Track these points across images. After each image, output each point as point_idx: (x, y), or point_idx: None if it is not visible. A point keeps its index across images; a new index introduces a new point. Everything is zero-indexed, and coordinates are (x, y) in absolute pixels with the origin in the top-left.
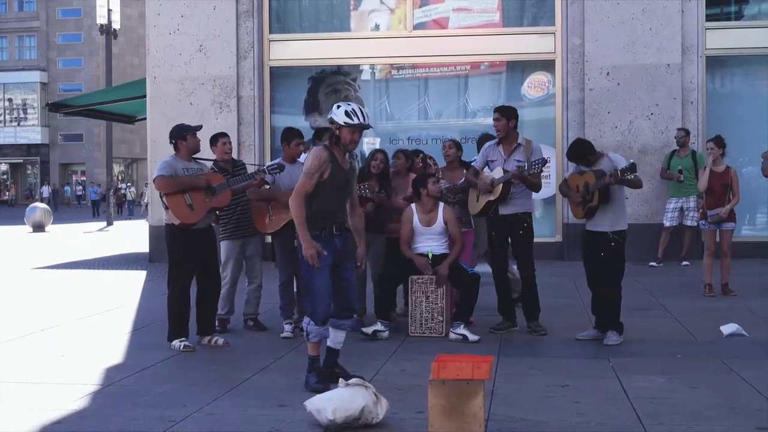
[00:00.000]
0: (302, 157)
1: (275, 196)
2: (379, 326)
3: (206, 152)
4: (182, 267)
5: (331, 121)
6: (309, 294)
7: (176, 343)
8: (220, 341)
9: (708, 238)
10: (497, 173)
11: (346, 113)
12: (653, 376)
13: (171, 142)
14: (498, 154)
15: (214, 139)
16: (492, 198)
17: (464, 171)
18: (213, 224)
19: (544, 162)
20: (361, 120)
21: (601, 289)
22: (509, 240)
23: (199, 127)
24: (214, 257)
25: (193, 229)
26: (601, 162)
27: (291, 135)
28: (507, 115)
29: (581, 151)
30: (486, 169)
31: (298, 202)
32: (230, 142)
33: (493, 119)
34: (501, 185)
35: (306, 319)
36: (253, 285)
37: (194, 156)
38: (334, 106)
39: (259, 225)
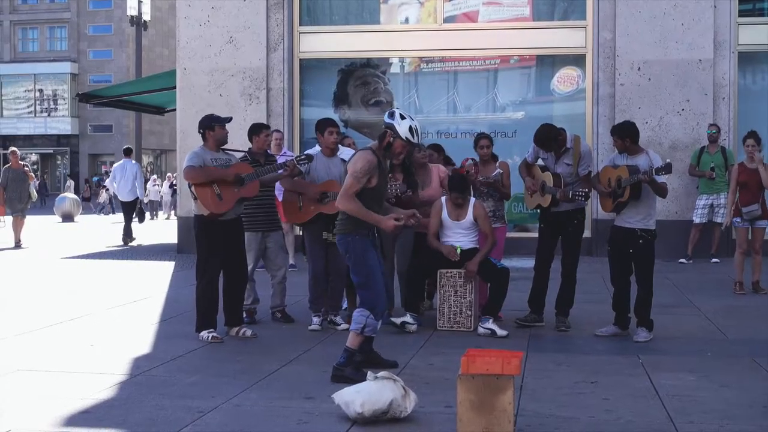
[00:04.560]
0: (343, 152)
1: (306, 190)
2: (408, 318)
3: (237, 141)
4: (211, 258)
5: (389, 126)
6: (369, 289)
7: (204, 334)
8: (249, 333)
9: (740, 236)
10: (547, 177)
11: (410, 129)
12: (683, 373)
13: (199, 131)
14: (549, 155)
15: (257, 130)
16: (543, 205)
17: (497, 163)
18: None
19: (587, 196)
20: (419, 140)
21: (624, 285)
22: (558, 234)
23: (229, 119)
24: (242, 248)
25: (221, 220)
26: (639, 157)
27: (325, 124)
28: (554, 136)
29: (627, 131)
30: (540, 161)
31: (349, 200)
32: (271, 135)
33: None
34: (550, 195)
35: (364, 312)
36: (277, 278)
37: (223, 147)
38: (397, 114)
39: (289, 215)
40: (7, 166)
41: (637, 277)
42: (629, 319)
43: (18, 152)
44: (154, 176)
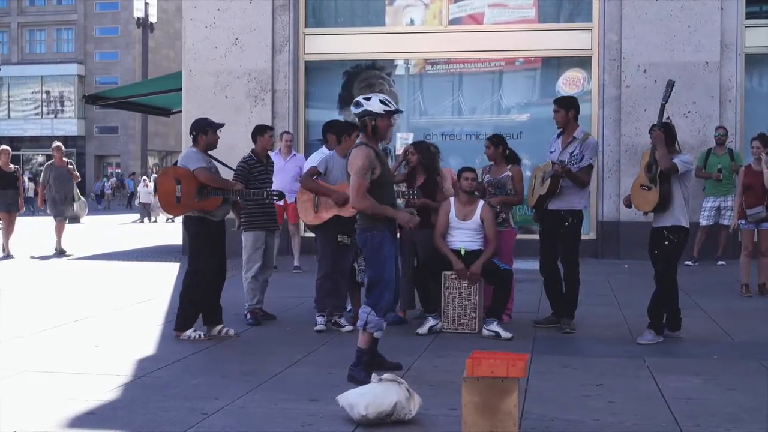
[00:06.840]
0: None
1: (327, 194)
2: (431, 321)
3: (242, 143)
4: (206, 258)
5: (365, 114)
6: (377, 285)
7: (190, 332)
8: (231, 332)
9: (745, 238)
10: (547, 166)
11: (381, 101)
12: (689, 376)
13: (191, 134)
14: (556, 146)
15: (261, 131)
16: (542, 193)
17: (507, 166)
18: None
19: (581, 157)
20: (396, 106)
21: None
22: (556, 235)
23: (222, 125)
24: (223, 249)
25: (214, 221)
26: (675, 156)
27: (351, 127)
28: (565, 106)
29: (667, 127)
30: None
31: (362, 199)
32: (274, 136)
33: (553, 111)
34: (549, 180)
35: (366, 309)
36: (266, 275)
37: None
38: (362, 100)
39: (305, 217)
40: (49, 163)
41: (655, 276)
42: (664, 321)
43: (63, 148)
44: (144, 177)
